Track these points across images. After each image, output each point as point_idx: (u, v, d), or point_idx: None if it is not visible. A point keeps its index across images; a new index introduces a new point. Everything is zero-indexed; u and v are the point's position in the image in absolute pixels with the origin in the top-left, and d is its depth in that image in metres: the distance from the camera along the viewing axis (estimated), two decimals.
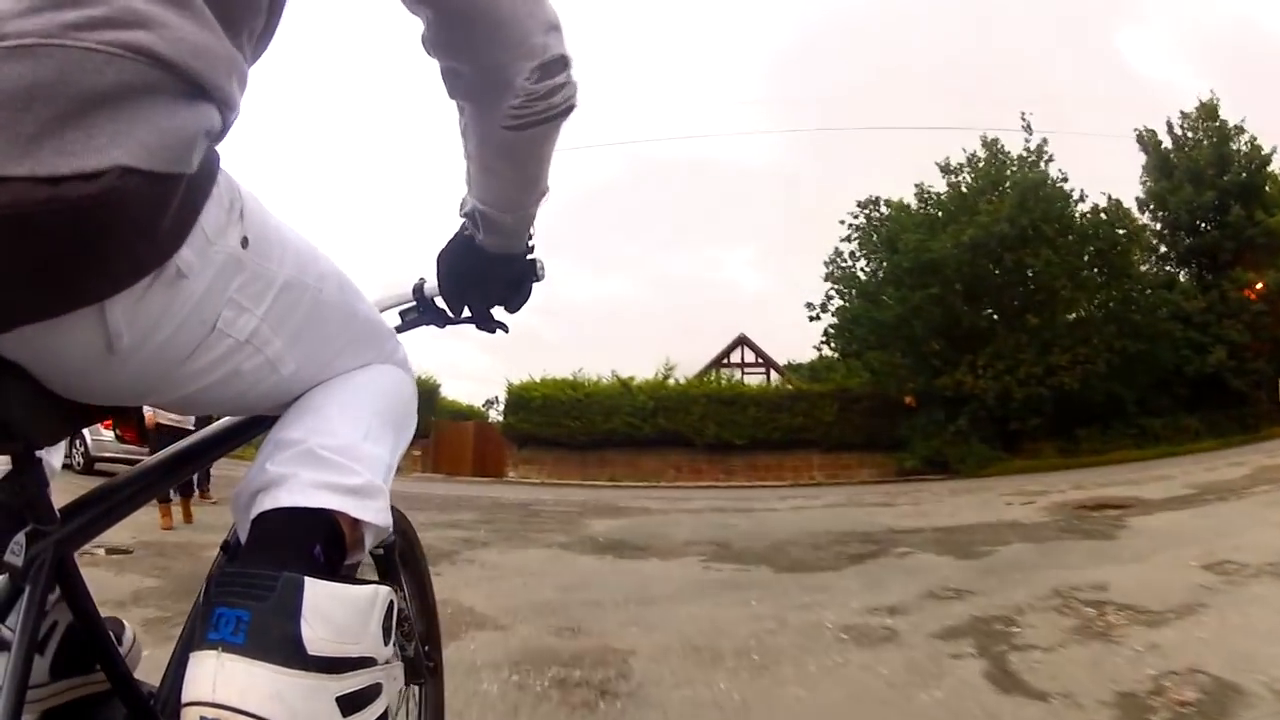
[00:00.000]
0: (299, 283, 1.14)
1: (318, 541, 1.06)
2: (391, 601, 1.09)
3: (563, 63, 1.20)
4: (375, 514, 1.13)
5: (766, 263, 67.05)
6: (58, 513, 1.11)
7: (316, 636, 0.96)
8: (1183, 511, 8.84)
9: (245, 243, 1.03)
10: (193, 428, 8.80)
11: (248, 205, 1.05)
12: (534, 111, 1.20)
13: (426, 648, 1.73)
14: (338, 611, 0.99)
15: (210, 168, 0.96)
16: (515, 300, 1.64)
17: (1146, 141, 25.86)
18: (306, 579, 0.98)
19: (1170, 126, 25.53)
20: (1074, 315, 23.79)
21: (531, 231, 1.54)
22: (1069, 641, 3.99)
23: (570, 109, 1.24)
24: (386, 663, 1.07)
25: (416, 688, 1.81)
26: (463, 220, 1.52)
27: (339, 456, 1.13)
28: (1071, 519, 8.89)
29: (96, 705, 1.34)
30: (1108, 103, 43.39)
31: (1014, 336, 22.86)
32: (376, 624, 1.05)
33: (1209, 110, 24.92)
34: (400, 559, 1.76)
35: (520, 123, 1.21)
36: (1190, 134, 25.26)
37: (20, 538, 1.05)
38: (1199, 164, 24.18)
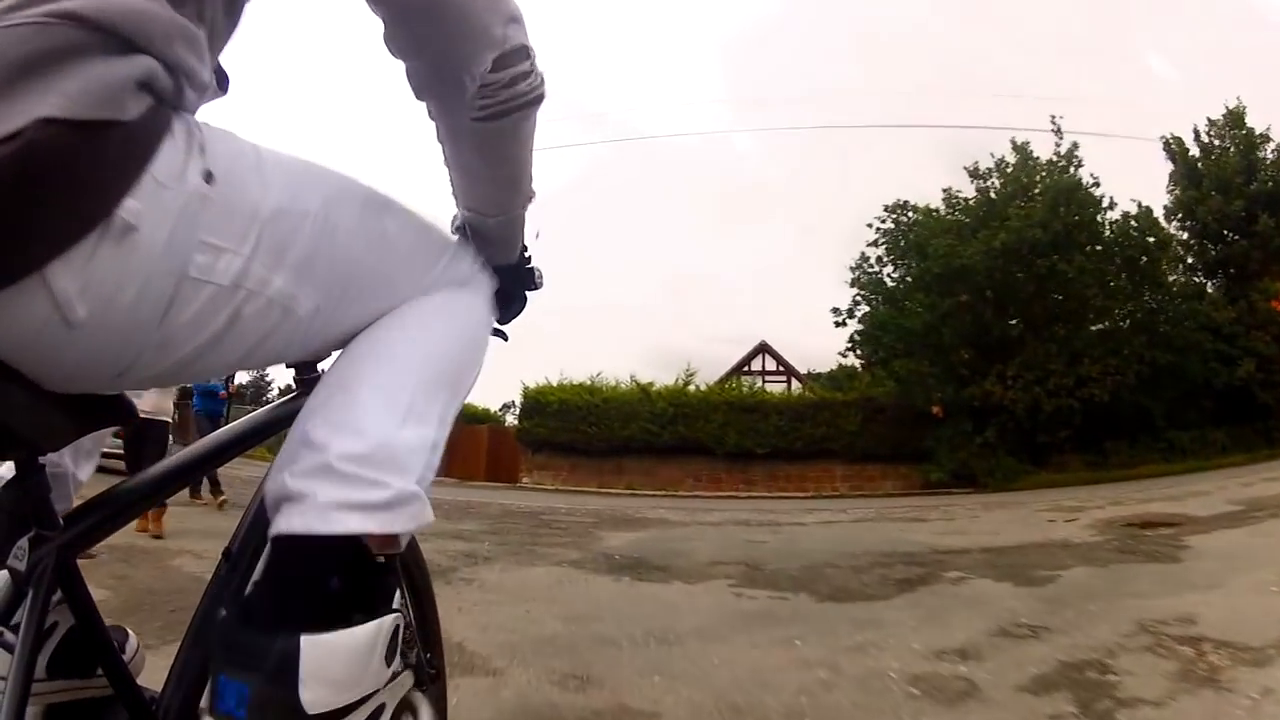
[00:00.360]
0: (294, 210, 1.07)
1: (334, 574, 1.04)
2: (396, 626, 1.09)
3: (524, 53, 1.19)
4: (409, 521, 1.12)
5: (787, 269, 66.82)
6: (61, 518, 1.18)
7: (317, 699, 0.98)
8: (1238, 530, 8.37)
9: (209, 177, 0.97)
10: (170, 419, 8.31)
11: (210, 139, 1.00)
12: (499, 101, 1.20)
13: (429, 655, 1.72)
14: (337, 666, 1.00)
15: (160, 120, 0.94)
16: (508, 312, 1.62)
17: (1174, 149, 25.22)
18: (304, 641, 0.98)
19: (1197, 134, 24.98)
20: (1104, 325, 23.23)
21: (525, 243, 1.54)
22: (1177, 691, 3.43)
23: (538, 99, 1.24)
24: (391, 679, 1.11)
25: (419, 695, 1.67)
26: (455, 236, 1.45)
27: (363, 469, 1.07)
28: (1125, 538, 8.26)
29: (98, 710, 1.33)
30: (1125, 107, 42.73)
31: (1044, 346, 22.24)
32: (379, 659, 1.06)
33: (1236, 117, 24.38)
34: (401, 564, 1.58)
35: (487, 113, 1.20)
36: (1217, 141, 24.69)
37: (24, 542, 1.13)
38: (1227, 172, 23.58)
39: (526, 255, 1.56)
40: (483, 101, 1.17)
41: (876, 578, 6.61)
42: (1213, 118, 24.78)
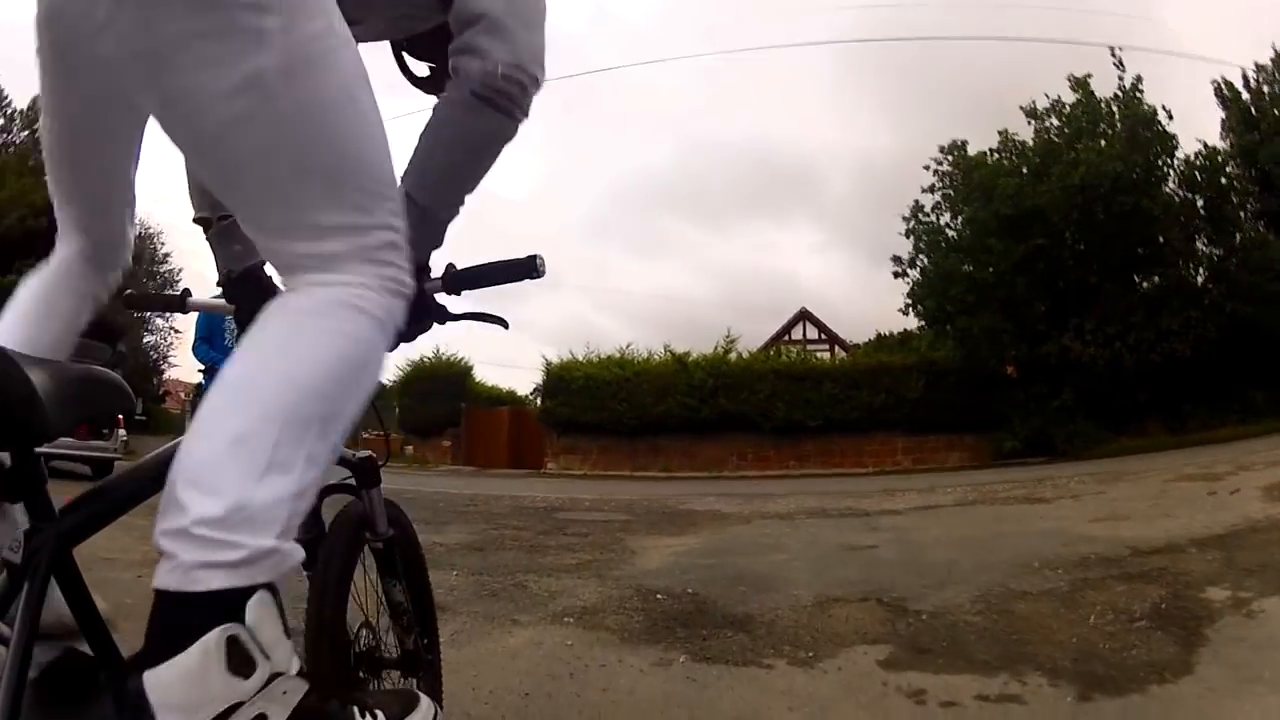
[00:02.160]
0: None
1: (211, 620, 1.08)
2: (233, 636, 1.10)
3: (537, 82, 1.59)
4: (270, 572, 1.14)
5: (824, 238, 64.97)
6: (57, 510, 1.20)
7: None
8: None
9: None
10: None
11: None
12: (502, 94, 1.55)
13: (425, 640, 2.15)
14: (175, 691, 1.05)
15: None
16: (409, 331, 1.62)
17: (1225, 95, 23.23)
18: (145, 677, 1.06)
19: (1246, 79, 23.03)
20: (1184, 273, 21.33)
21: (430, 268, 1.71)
22: None
23: (522, 118, 1.60)
24: (264, 686, 1.11)
25: (414, 680, 2.10)
26: None
27: (218, 533, 1.10)
28: None
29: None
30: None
31: (1125, 296, 20.23)
32: (221, 673, 1.07)
33: None
34: (400, 553, 2.13)
35: (488, 95, 1.54)
36: (1267, 87, 22.84)
37: (19, 534, 1.14)
38: None
39: (532, 259, 1.70)
40: (491, 86, 1.53)
41: (1111, 615, 4.08)
42: (1260, 62, 22.96)
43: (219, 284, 1.99)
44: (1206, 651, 3.46)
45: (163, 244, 39.58)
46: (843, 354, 30.90)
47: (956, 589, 4.83)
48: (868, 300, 67.58)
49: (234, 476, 1.12)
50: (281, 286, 1.44)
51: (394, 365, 27.64)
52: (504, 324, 1.92)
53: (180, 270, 38.74)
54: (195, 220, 1.90)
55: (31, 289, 1.71)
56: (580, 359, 25.76)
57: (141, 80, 1.26)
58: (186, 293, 2.15)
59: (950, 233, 22.63)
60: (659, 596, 4.97)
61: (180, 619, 1.08)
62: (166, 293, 2.30)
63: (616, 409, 23.81)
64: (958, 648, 3.75)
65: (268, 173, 1.25)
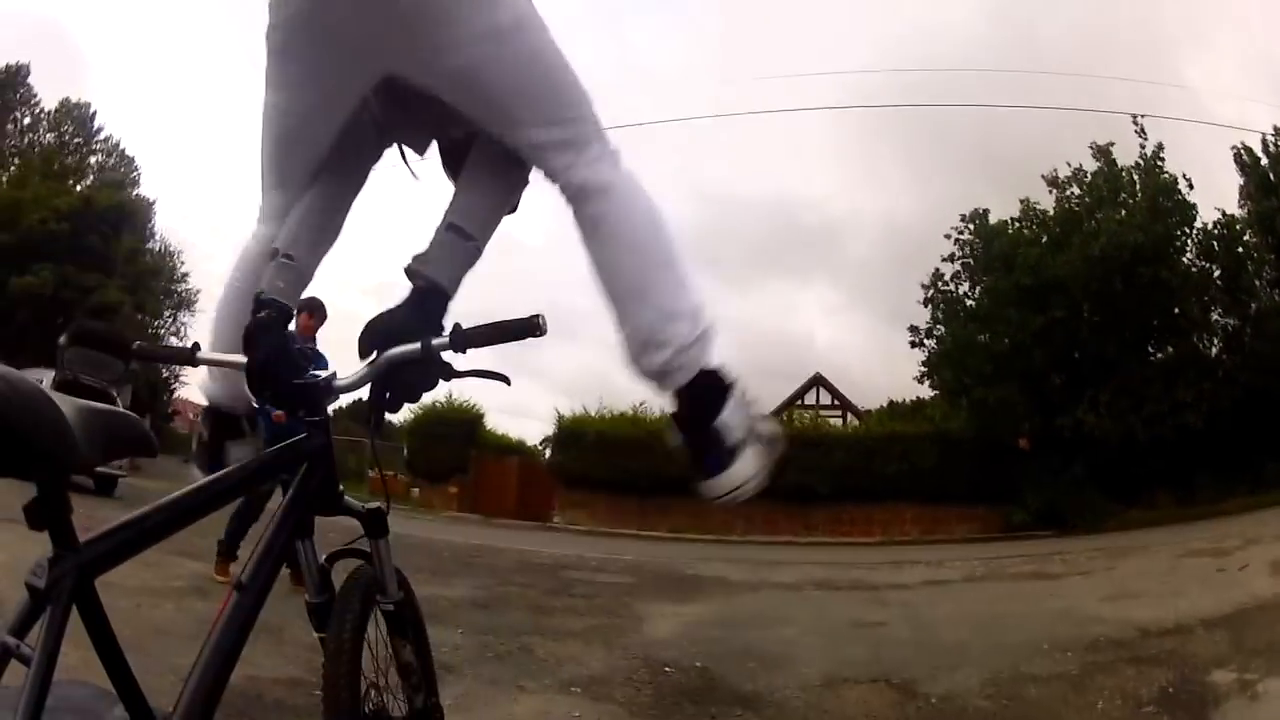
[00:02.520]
0: None
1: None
2: None
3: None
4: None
5: (839, 304, 64.98)
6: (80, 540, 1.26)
7: None
8: None
9: None
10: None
11: None
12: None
13: (432, 700, 2.21)
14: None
15: None
16: (410, 394, 1.95)
17: (1244, 160, 22.79)
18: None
19: (1266, 144, 22.61)
20: (1199, 345, 21.26)
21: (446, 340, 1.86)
22: None
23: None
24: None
25: None
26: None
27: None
28: None
29: None
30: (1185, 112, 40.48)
31: (1140, 368, 20.14)
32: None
33: None
34: (404, 611, 2.17)
35: (528, 154, 1.99)
36: None
37: (43, 560, 1.20)
38: None
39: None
40: (535, 143, 1.93)
41: (1119, 700, 4.11)
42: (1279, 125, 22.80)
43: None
44: None
45: (182, 263, 39.09)
46: (855, 420, 30.81)
47: (967, 671, 4.81)
48: (882, 363, 67.39)
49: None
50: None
51: (406, 408, 27.71)
52: (506, 381, 2.00)
53: (199, 291, 37.98)
54: (271, 252, 2.14)
55: (236, 283, 2.20)
56: (592, 414, 25.78)
57: (402, 42, 1.81)
58: (196, 346, 2.17)
59: (969, 302, 22.58)
60: (667, 669, 4.96)
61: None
62: (176, 346, 2.34)
63: (628, 466, 23.61)
64: None
65: (518, 88, 1.87)
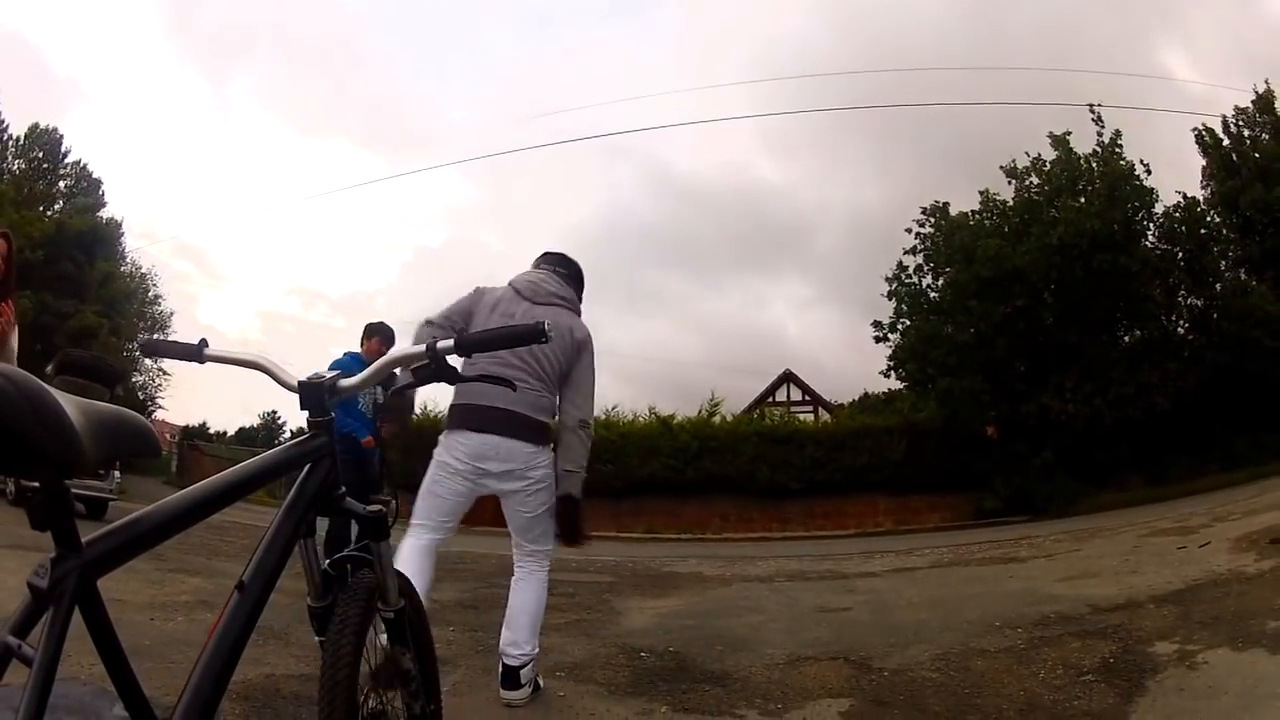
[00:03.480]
0: None
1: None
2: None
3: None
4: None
5: (808, 299, 65.16)
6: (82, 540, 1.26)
7: None
8: None
9: None
10: None
11: None
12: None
13: (432, 706, 2.27)
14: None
15: None
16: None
17: (1206, 142, 23.50)
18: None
19: (1227, 124, 23.30)
20: (1163, 326, 21.59)
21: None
22: None
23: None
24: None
25: None
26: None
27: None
28: None
29: None
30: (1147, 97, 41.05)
31: (1104, 353, 20.41)
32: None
33: (1265, 102, 22.66)
34: (409, 622, 2.20)
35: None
36: (1248, 131, 23.10)
37: (45, 561, 1.20)
38: (1265, 159, 21.96)
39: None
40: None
41: (1061, 669, 4.25)
42: (1240, 105, 23.28)
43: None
44: (1144, 701, 3.64)
45: (154, 284, 38.62)
46: (826, 416, 31.01)
47: (920, 648, 4.99)
48: (855, 355, 67.85)
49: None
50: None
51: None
52: (512, 386, 2.21)
53: (172, 314, 38.28)
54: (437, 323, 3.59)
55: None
56: None
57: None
58: (204, 343, 2.20)
59: (932, 295, 22.80)
60: (643, 654, 5.16)
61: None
62: (183, 341, 2.29)
63: (602, 470, 23.38)
64: (914, 700, 3.95)
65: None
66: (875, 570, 10.21)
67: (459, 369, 2.00)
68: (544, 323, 1.91)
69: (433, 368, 1.95)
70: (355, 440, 7.56)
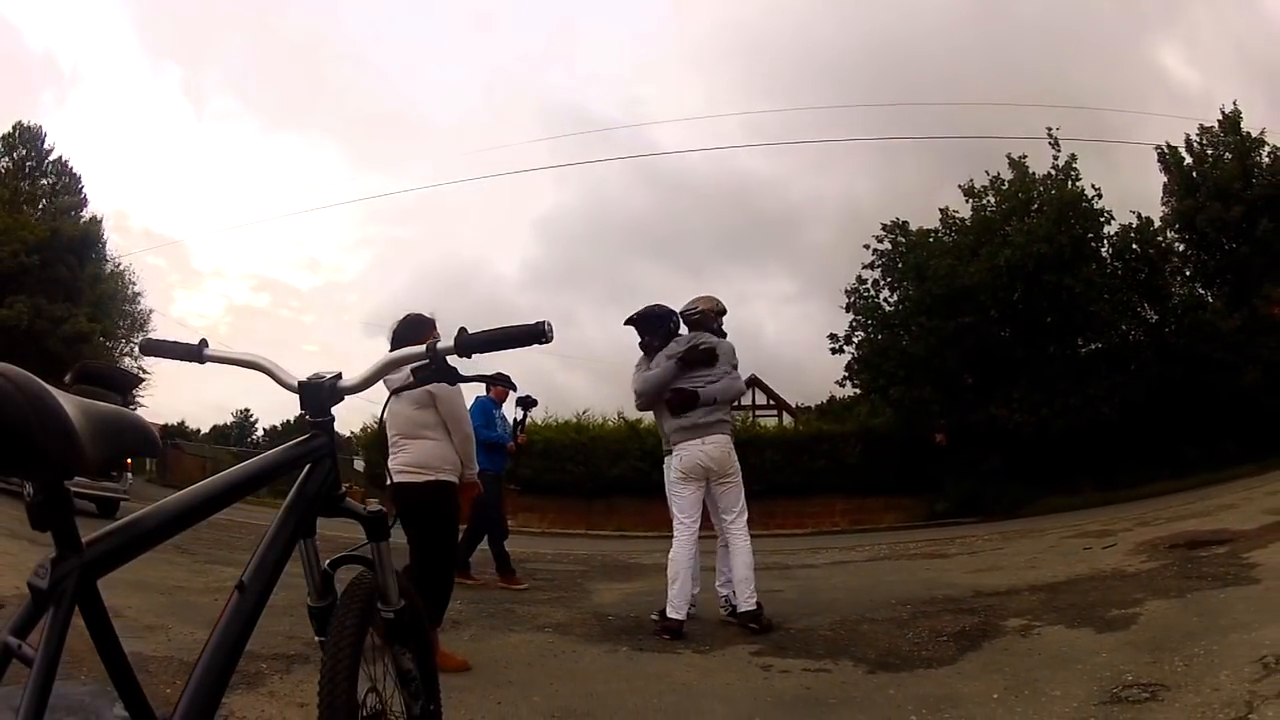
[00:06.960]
0: None
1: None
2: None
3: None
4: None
5: (789, 294, 65.79)
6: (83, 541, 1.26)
7: None
8: None
9: None
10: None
11: None
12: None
13: (432, 706, 2.23)
14: None
15: None
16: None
17: (1168, 159, 24.15)
18: None
19: (1189, 142, 23.99)
20: (1113, 340, 22.42)
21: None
22: None
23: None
24: None
25: None
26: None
27: None
28: (1182, 562, 7.19)
29: None
30: (1117, 116, 42.09)
31: (1050, 366, 21.38)
32: None
33: (1231, 123, 23.33)
34: (409, 621, 2.18)
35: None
36: (1210, 149, 23.69)
37: (46, 562, 1.19)
38: (1224, 178, 22.53)
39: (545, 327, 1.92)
40: None
41: (926, 633, 5.48)
42: (1205, 124, 23.95)
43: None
44: (974, 654, 4.81)
45: (134, 282, 36.32)
46: (790, 420, 32.09)
47: (825, 616, 6.33)
48: (833, 356, 68.44)
49: None
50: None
51: (362, 421, 27.86)
52: (512, 385, 2.37)
53: (151, 311, 36.74)
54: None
55: None
56: (539, 422, 26.56)
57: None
58: (204, 343, 2.19)
59: (887, 308, 23.72)
60: (610, 617, 6.82)
61: None
62: (184, 342, 2.24)
63: (574, 471, 24.71)
64: (805, 648, 5.30)
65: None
66: (816, 563, 11.38)
67: (458, 369, 1.98)
68: (545, 323, 1.87)
69: (433, 368, 1.94)
70: (500, 445, 9.05)
